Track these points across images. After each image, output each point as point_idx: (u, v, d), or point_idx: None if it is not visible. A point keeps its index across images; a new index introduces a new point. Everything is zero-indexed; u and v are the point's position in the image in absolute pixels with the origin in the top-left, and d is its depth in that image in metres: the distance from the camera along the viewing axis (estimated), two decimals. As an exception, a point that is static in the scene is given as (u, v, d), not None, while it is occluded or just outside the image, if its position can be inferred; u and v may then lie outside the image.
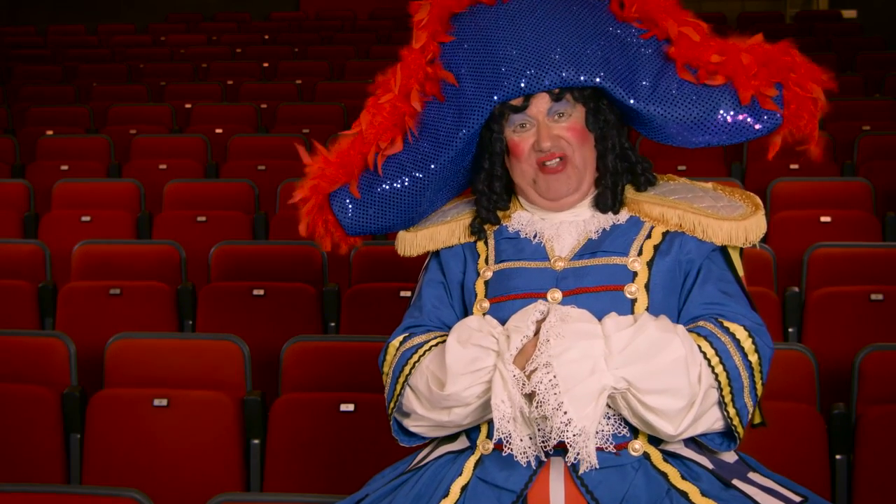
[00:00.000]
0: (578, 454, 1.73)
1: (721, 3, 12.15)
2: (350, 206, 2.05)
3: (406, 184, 2.02)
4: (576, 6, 1.98)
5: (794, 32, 10.37)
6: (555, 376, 1.72)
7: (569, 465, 1.79)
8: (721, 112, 1.91)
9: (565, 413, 1.71)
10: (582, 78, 1.89)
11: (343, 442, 3.33)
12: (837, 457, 3.18)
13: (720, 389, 1.80)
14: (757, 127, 1.92)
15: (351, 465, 3.31)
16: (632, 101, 1.91)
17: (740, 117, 1.91)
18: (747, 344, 1.83)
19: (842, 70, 8.49)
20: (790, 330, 4.06)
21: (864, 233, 4.87)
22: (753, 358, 1.83)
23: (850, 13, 11.40)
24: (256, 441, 3.41)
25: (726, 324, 1.85)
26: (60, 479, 3.48)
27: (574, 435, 1.71)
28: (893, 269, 4.26)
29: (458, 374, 1.82)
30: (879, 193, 5.37)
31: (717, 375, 1.79)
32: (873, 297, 3.95)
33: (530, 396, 1.76)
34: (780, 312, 4.02)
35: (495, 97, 1.92)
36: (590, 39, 1.94)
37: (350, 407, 3.32)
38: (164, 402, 3.41)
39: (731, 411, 1.81)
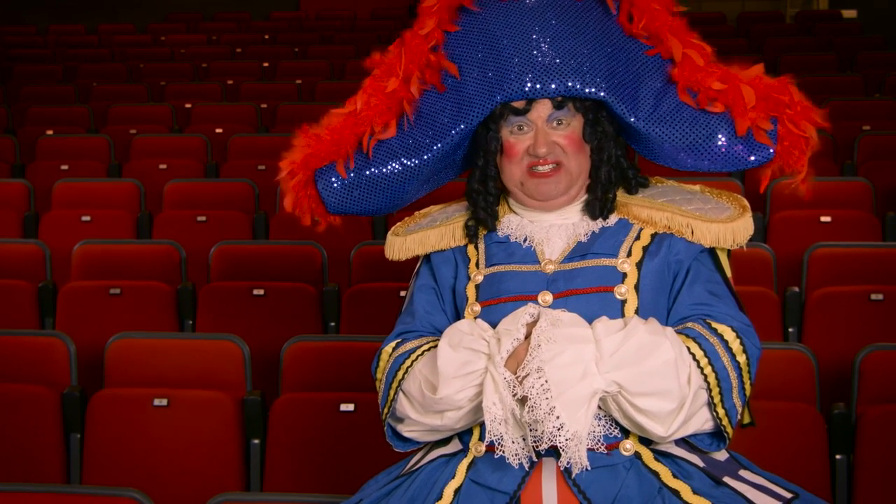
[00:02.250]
0: (570, 458, 1.74)
1: (721, 3, 12.15)
2: (336, 184, 2.05)
3: (395, 170, 2.02)
4: (584, 13, 1.98)
5: (794, 32, 10.39)
6: (546, 381, 1.73)
7: (562, 468, 1.80)
8: (717, 140, 1.94)
9: (557, 417, 1.72)
10: (587, 90, 1.91)
11: (343, 442, 3.33)
12: (837, 457, 3.18)
13: (709, 390, 1.81)
14: (750, 158, 1.95)
15: (351, 465, 3.31)
16: (632, 119, 1.93)
17: (735, 147, 1.94)
18: (735, 345, 1.84)
19: (842, 70, 8.49)
20: (790, 330, 4.06)
21: (864, 233, 4.87)
22: (741, 358, 1.84)
23: (850, 13, 11.39)
24: (256, 441, 3.41)
25: (714, 325, 1.86)
26: (60, 479, 3.48)
27: (566, 439, 1.72)
28: (893, 269, 4.26)
29: (449, 377, 1.83)
30: (879, 193, 5.37)
31: (706, 376, 1.80)
32: (873, 297, 3.95)
33: (522, 400, 1.76)
34: (780, 312, 4.02)
35: (498, 97, 1.92)
36: (597, 49, 1.94)
37: (350, 407, 3.32)
38: (164, 402, 3.41)
39: (721, 412, 1.82)
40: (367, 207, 2.07)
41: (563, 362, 1.73)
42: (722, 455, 1.94)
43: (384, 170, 2.02)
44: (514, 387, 1.76)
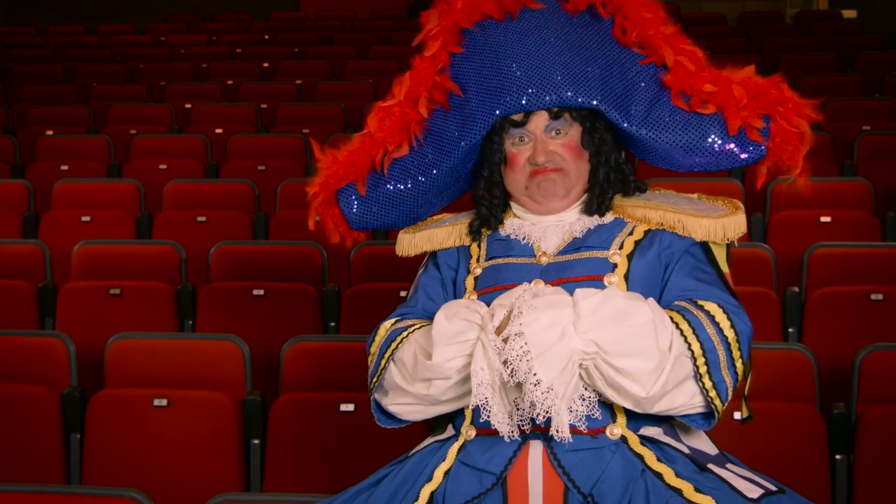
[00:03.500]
0: (548, 412, 1.77)
1: (721, 3, 12.15)
2: (355, 202, 2.17)
3: (409, 186, 2.14)
4: (580, 28, 2.08)
5: (794, 32, 10.38)
6: (526, 343, 1.78)
7: (539, 422, 1.83)
8: (709, 139, 2.02)
9: (535, 375, 1.77)
10: (580, 99, 2.00)
11: (343, 442, 3.33)
12: (837, 457, 3.18)
13: (694, 360, 1.83)
14: (743, 156, 2.03)
15: (351, 465, 3.31)
16: (625, 125, 2.02)
17: (727, 146, 2.02)
18: (722, 320, 1.88)
19: (842, 70, 8.49)
20: (790, 330, 4.06)
21: (864, 233, 4.87)
22: (730, 333, 1.87)
23: (850, 13, 11.39)
24: (256, 441, 3.41)
25: (700, 302, 1.91)
26: (60, 479, 3.48)
27: (542, 393, 1.76)
28: (893, 269, 4.26)
29: (442, 344, 1.89)
30: (879, 193, 5.37)
31: (689, 345, 1.84)
32: (873, 297, 3.95)
33: (505, 364, 1.81)
34: (780, 312, 4.03)
35: (497, 111, 2.02)
36: (591, 61, 2.04)
37: (350, 407, 3.32)
38: (164, 402, 3.41)
39: (708, 383, 1.84)
40: (386, 221, 2.19)
41: (542, 326, 1.79)
42: (711, 449, 1.98)
43: (399, 186, 2.14)
44: (502, 352, 1.81)
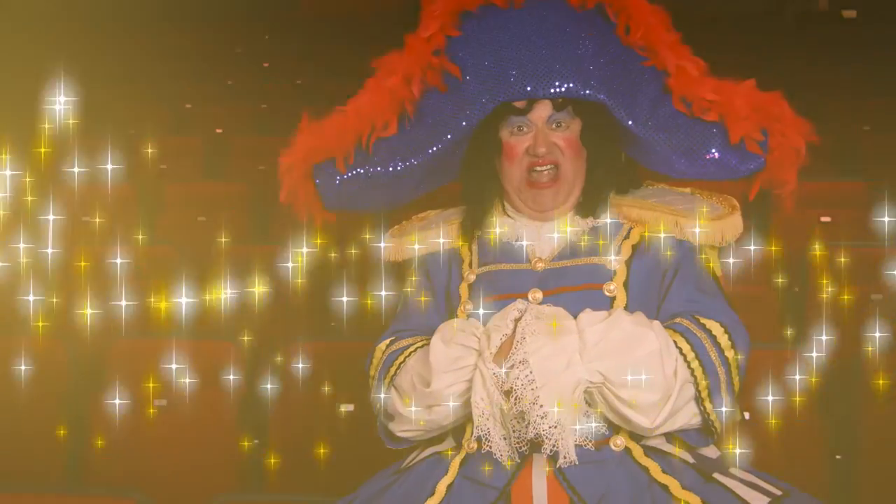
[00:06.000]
0: (555, 445, 1.77)
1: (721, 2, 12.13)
2: (334, 181, 2.06)
3: (393, 168, 2.04)
4: (584, 23, 2.02)
5: (794, 32, 10.37)
6: (531, 372, 1.76)
7: (546, 456, 1.82)
8: (710, 147, 1.98)
9: (541, 406, 1.75)
10: (587, 92, 1.95)
11: (343, 442, 3.33)
12: (837, 457, 3.17)
13: (696, 384, 1.83)
14: (741, 168, 2.00)
15: (351, 465, 3.30)
16: (630, 123, 1.97)
17: (727, 155, 1.99)
18: (724, 340, 1.88)
19: (842, 70, 8.47)
20: (790, 330, 4.05)
21: (864, 233, 4.86)
22: (730, 354, 1.87)
23: (850, 13, 11.38)
24: (256, 441, 3.40)
25: (703, 320, 1.89)
26: (60, 479, 3.47)
27: (550, 427, 1.75)
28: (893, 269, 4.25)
29: (441, 371, 1.86)
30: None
31: (692, 370, 1.83)
32: (873, 297, 3.95)
33: (509, 393, 1.79)
34: (779, 313, 4.02)
35: (500, 97, 1.96)
36: (596, 55, 1.99)
37: (350, 407, 3.32)
38: (164, 402, 3.40)
39: (708, 407, 1.85)
40: (363, 204, 2.11)
41: (547, 353, 1.77)
42: (713, 452, 1.96)
43: (382, 168, 2.04)
44: (502, 381, 1.79)
